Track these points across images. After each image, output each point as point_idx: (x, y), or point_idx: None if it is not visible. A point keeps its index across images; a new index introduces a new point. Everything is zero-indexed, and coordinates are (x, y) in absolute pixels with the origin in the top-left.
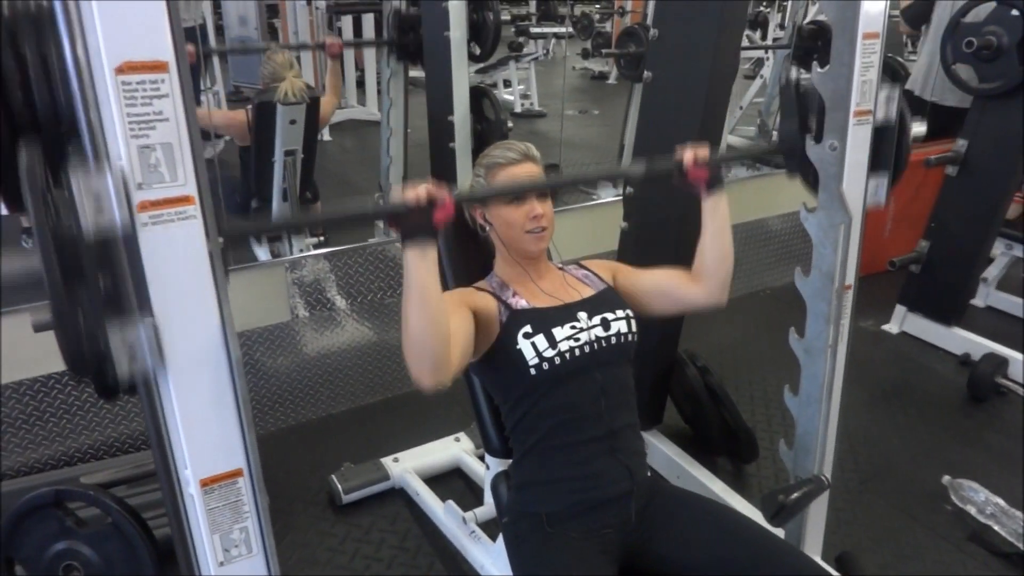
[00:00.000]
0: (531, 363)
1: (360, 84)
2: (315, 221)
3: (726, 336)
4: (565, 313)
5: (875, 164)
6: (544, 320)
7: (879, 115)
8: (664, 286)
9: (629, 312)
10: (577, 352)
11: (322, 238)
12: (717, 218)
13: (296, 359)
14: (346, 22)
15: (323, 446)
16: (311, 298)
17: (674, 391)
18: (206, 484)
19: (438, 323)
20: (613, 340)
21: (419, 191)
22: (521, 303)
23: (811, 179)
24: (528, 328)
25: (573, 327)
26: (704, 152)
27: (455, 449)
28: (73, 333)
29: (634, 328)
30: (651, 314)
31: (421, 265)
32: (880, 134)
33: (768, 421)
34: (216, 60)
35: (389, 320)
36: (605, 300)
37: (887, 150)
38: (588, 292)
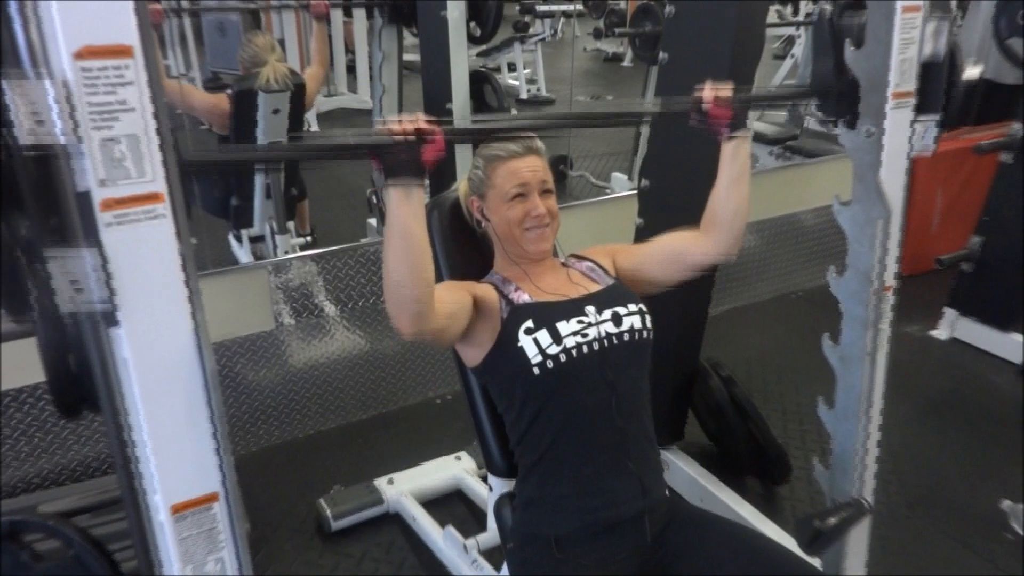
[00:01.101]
0: (534, 361)
1: (351, 69)
2: (287, 155)
3: (753, 343)
4: (571, 307)
5: (923, 106)
6: (548, 314)
7: (926, 50)
8: (670, 252)
9: (642, 307)
10: (585, 349)
11: (309, 238)
12: (737, 164)
13: (281, 371)
14: None
15: (310, 467)
16: (297, 304)
17: (696, 404)
18: (178, 510)
19: (421, 268)
20: (625, 337)
21: (406, 123)
22: (523, 297)
23: (850, 121)
24: (530, 323)
25: (580, 322)
26: (727, 91)
27: (455, 469)
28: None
29: (648, 324)
30: (661, 287)
31: (405, 206)
32: (928, 71)
33: (801, 437)
34: (191, 41)
35: (383, 328)
36: (615, 294)
37: (936, 89)
38: (595, 287)
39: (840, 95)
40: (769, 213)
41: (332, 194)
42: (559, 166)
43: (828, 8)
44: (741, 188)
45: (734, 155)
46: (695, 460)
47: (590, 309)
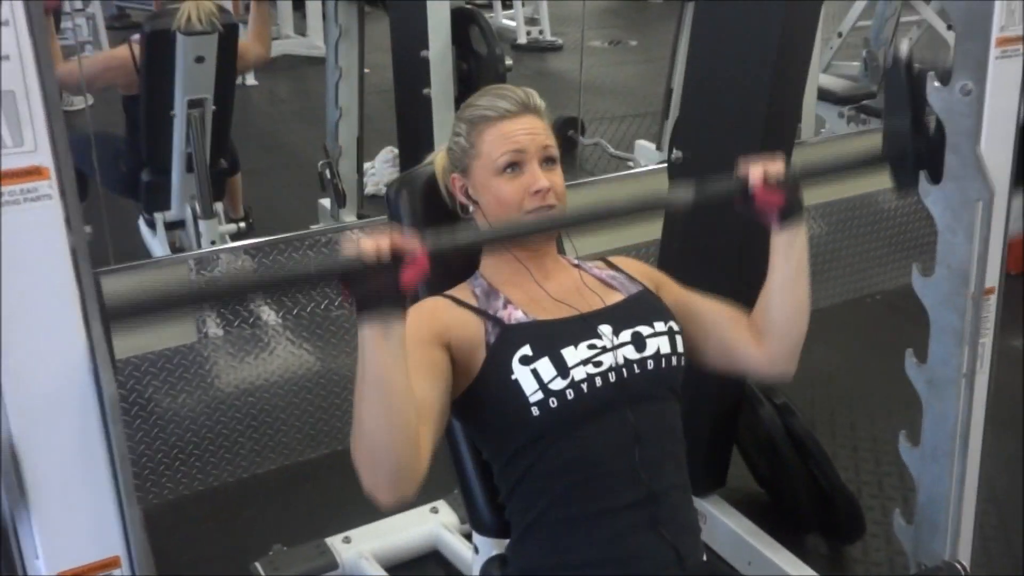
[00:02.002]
0: (532, 400)
1: (298, 6)
2: (224, 292)
3: (817, 362)
4: (580, 327)
5: None
6: (550, 337)
7: None
8: (719, 333)
9: (673, 324)
10: (599, 382)
11: (243, 224)
12: (792, 258)
13: (205, 397)
14: None
15: (244, 520)
16: (227, 310)
17: (743, 440)
18: None
19: (404, 424)
20: (650, 365)
21: (380, 241)
22: (516, 315)
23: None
24: (527, 350)
25: (592, 347)
26: (778, 168)
27: (431, 524)
28: None
29: (680, 347)
30: (691, 358)
31: (383, 347)
32: None
33: (878, 483)
34: None
35: (338, 341)
36: (638, 308)
37: None
38: (615, 297)
39: (918, 162)
40: (838, 193)
41: (274, 167)
42: (567, 131)
43: (904, 48)
44: (799, 289)
45: (788, 248)
46: (741, 512)
47: (604, 329)
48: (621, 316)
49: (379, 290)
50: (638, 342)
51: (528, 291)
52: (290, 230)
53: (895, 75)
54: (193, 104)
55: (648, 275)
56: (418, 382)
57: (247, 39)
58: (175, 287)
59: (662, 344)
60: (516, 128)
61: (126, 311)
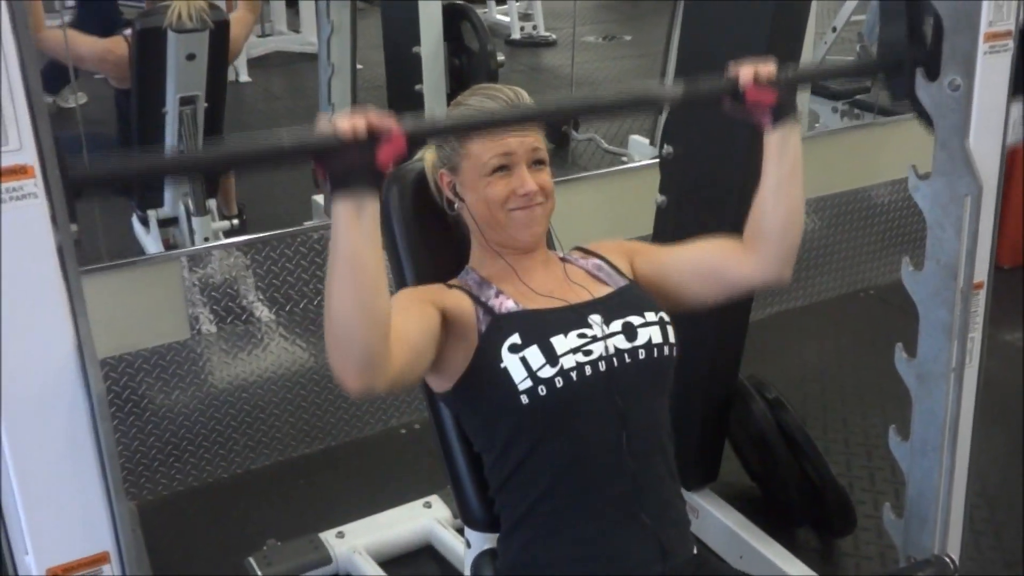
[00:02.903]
0: (521, 388)
1: (291, 3)
2: (208, 161)
3: (809, 356)
4: (570, 316)
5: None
6: (540, 326)
7: None
8: (704, 263)
9: (664, 316)
10: (588, 371)
11: (236, 221)
12: (786, 160)
13: (199, 393)
14: None
15: (237, 516)
16: (220, 306)
17: (735, 435)
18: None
19: (373, 307)
20: (641, 354)
21: (356, 119)
22: (507, 304)
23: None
24: (516, 338)
25: (582, 335)
26: (769, 68)
27: (425, 519)
28: None
29: (671, 337)
30: (686, 305)
31: (354, 224)
32: None
33: (870, 477)
34: None
35: None
36: (627, 299)
37: None
38: (603, 290)
39: (915, 71)
40: (832, 188)
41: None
42: (561, 126)
43: None
44: (793, 191)
45: (781, 149)
46: (733, 506)
47: (595, 319)
48: (612, 306)
49: (354, 167)
50: (629, 331)
51: (518, 284)
52: (284, 227)
53: None
54: (185, 101)
55: (624, 251)
56: (410, 317)
57: (237, 9)
58: (141, 160)
59: (653, 334)
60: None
61: (90, 181)
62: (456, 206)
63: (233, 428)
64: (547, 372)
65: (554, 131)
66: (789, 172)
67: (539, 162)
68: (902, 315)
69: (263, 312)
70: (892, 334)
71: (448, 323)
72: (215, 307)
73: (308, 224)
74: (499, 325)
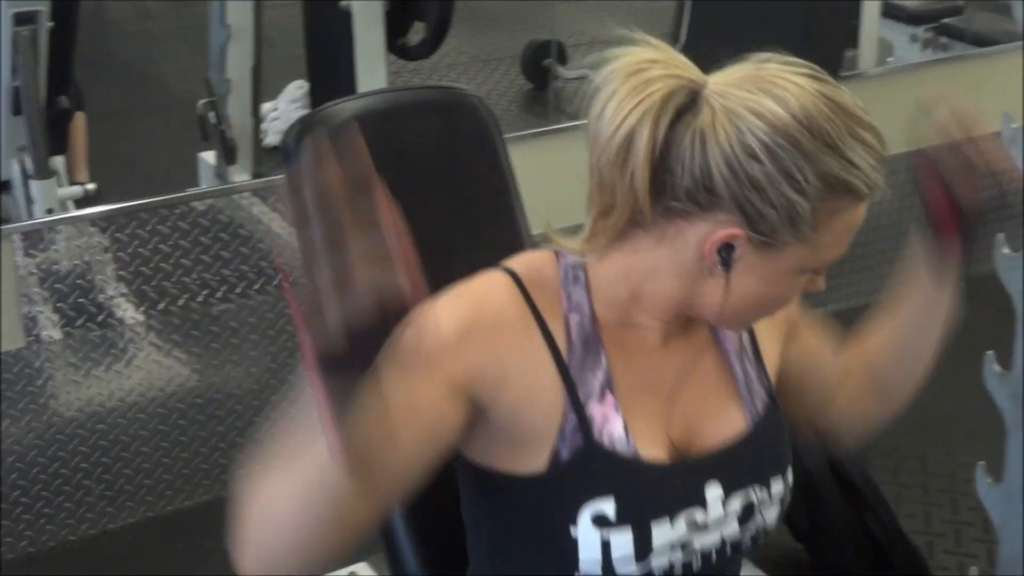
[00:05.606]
0: (583, 570)
1: None
2: None
3: None
4: (685, 485)
5: None
6: (645, 497)
7: None
8: (826, 380)
9: (789, 477)
10: (678, 570)
11: (91, 187)
12: (940, 304)
13: (37, 424)
14: None
15: None
16: (68, 303)
17: None
18: None
19: (341, 540)
20: (746, 544)
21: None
22: (613, 427)
23: None
24: (609, 509)
25: (693, 524)
26: (1008, 165)
27: None
28: None
29: (786, 503)
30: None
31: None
32: None
33: (954, 532)
34: None
35: (222, 345)
36: (762, 448)
37: None
38: (734, 417)
39: None
40: (907, 143)
41: (137, 108)
42: (540, 60)
43: None
44: (929, 345)
45: (939, 294)
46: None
47: (714, 493)
48: (741, 463)
49: (356, 349)
50: (746, 514)
51: (637, 367)
52: (159, 194)
53: None
54: (21, 20)
55: (789, 318)
56: (384, 454)
57: None
58: None
59: (769, 517)
60: (860, 219)
61: None
62: (713, 268)
63: (85, 472)
64: (627, 568)
65: (534, 68)
66: (935, 316)
67: None
68: (990, 316)
69: (127, 311)
70: (979, 340)
71: (489, 414)
72: (60, 304)
73: (192, 191)
74: (591, 469)
